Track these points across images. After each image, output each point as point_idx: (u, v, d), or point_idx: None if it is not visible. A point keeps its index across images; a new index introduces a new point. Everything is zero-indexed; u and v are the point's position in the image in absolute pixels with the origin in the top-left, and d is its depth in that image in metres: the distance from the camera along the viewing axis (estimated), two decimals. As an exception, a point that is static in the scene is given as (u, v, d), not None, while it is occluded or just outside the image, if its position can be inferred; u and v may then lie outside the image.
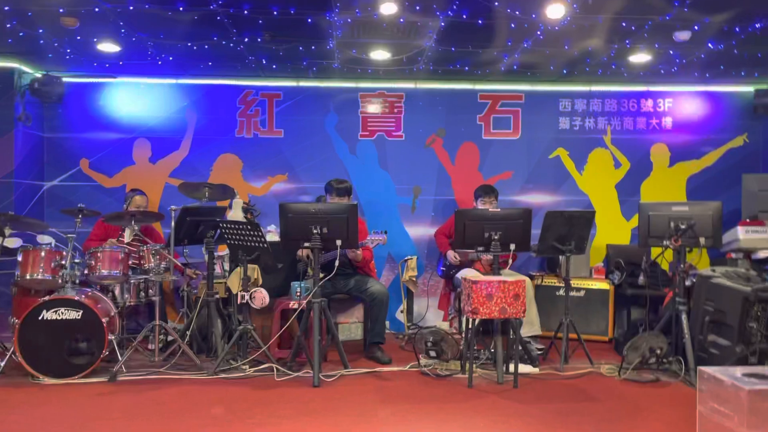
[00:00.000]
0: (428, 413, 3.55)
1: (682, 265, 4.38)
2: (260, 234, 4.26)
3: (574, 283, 5.55)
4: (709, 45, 4.49)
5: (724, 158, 6.10)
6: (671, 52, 4.60)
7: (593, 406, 3.72)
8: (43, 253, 4.45)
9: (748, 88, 5.96)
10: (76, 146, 6.00)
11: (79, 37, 4.59)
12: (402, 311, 5.77)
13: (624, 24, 4.01)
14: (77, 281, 4.48)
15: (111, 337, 4.27)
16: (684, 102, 6.10)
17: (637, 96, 6.12)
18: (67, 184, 5.99)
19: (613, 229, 6.11)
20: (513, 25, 4.01)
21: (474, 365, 4.33)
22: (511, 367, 4.18)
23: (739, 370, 2.55)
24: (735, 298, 4.16)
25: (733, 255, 5.10)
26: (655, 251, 4.98)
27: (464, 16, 3.82)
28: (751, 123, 6.06)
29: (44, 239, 5.47)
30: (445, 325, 5.72)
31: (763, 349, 4.12)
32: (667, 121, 6.12)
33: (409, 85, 6.11)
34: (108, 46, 4.92)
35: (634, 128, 6.14)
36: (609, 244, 5.94)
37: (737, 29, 4.05)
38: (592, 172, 6.16)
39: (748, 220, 4.68)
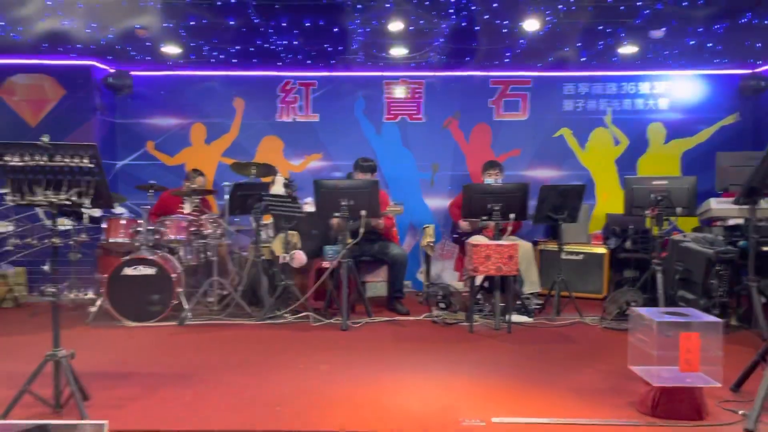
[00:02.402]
0: (433, 350, 4.38)
1: (658, 232, 5.07)
2: (298, 206, 5.13)
3: (574, 248, 6.29)
4: (686, 40, 5.12)
5: (717, 135, 6.69)
6: (651, 45, 5.24)
7: (570, 346, 4.51)
8: (123, 221, 5.41)
9: (737, 71, 6.52)
10: (143, 130, 6.99)
11: (148, 43, 5.52)
12: (421, 272, 6.60)
13: (600, 27, 4.69)
14: (150, 244, 5.45)
15: (179, 289, 5.24)
16: (678, 84, 6.69)
17: (636, 79, 6.74)
18: (136, 163, 7.01)
19: (612, 200, 6.78)
20: (505, 30, 4.74)
21: (478, 316, 5.15)
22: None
23: (662, 310, 3.31)
24: (700, 259, 4.86)
25: (719, 223, 5.74)
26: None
27: (463, 24, 4.59)
28: (742, 103, 6.62)
29: (118, 210, 6.49)
30: (459, 285, 6.53)
31: (723, 302, 4.83)
32: (663, 102, 6.73)
33: (428, 73, 6.86)
34: (171, 49, 5.85)
35: (633, 108, 6.78)
36: (608, 213, 6.61)
37: (701, 29, 4.69)
38: (594, 149, 6.83)
39: (722, 193, 5.31)
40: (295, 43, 5.36)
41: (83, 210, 5.28)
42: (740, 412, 3.10)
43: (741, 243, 5.32)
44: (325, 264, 5.48)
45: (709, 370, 3.07)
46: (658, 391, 3.05)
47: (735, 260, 4.82)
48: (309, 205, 6.05)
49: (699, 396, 3.07)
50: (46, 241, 3.13)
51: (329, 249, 5.55)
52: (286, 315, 5.28)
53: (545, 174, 6.84)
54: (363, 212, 5.04)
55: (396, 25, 4.76)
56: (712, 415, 3.06)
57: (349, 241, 5.12)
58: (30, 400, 3.01)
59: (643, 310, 3.30)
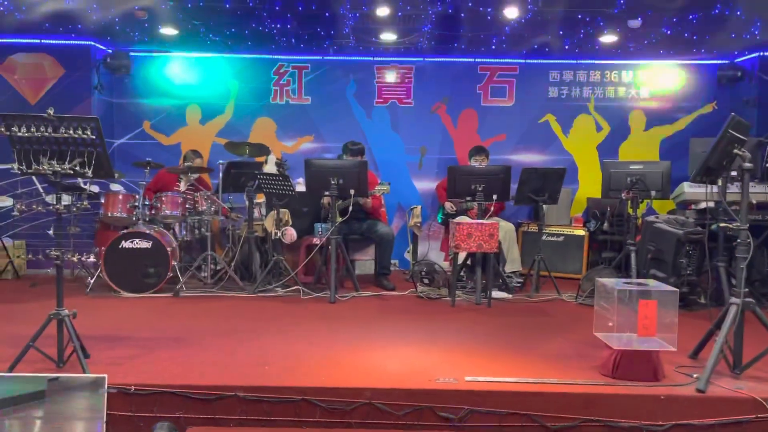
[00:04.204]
0: (415, 320, 4.62)
1: (633, 214, 5.31)
2: (289, 184, 5.34)
3: (555, 229, 6.54)
4: (664, 30, 5.34)
5: (695, 123, 6.93)
6: (630, 34, 5.46)
7: (544, 319, 4.77)
8: (120, 197, 5.61)
9: (715, 61, 6.75)
10: (140, 110, 7.17)
11: (146, 24, 5.70)
12: (409, 252, 6.84)
13: (579, 16, 4.91)
14: (146, 219, 5.66)
15: (174, 263, 5.46)
16: (659, 73, 6.92)
17: (619, 68, 6.96)
18: (133, 141, 7.19)
19: (593, 184, 7.01)
20: (489, 18, 4.95)
21: (460, 292, 5.39)
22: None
23: (624, 280, 3.56)
24: (670, 239, 5.11)
25: (693, 207, 5.99)
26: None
27: (450, 11, 4.79)
28: (719, 92, 6.86)
29: (115, 186, 6.70)
30: (445, 265, 6.77)
31: (691, 280, 5.09)
32: (645, 91, 6.97)
33: (418, 58, 7.06)
34: (168, 30, 6.03)
35: (615, 96, 7.01)
36: (589, 197, 6.86)
37: (675, 19, 4.91)
38: (577, 135, 7.07)
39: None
40: (288, 26, 5.55)
41: (82, 185, 5.51)
42: (694, 375, 3.35)
43: (713, 226, 5.59)
44: (315, 240, 5.71)
45: (665, 336, 3.32)
46: (619, 354, 3.29)
47: (704, 242, 5.06)
48: (301, 185, 6.28)
49: (656, 359, 3.31)
50: (42, 209, 3.36)
51: (319, 226, 5.79)
52: (276, 288, 5.50)
53: (530, 158, 7.07)
54: (352, 191, 5.25)
55: (383, 11, 4.96)
56: (668, 378, 3.30)
57: (339, 219, 5.34)
58: (33, 357, 3.22)
59: (606, 280, 3.54)
